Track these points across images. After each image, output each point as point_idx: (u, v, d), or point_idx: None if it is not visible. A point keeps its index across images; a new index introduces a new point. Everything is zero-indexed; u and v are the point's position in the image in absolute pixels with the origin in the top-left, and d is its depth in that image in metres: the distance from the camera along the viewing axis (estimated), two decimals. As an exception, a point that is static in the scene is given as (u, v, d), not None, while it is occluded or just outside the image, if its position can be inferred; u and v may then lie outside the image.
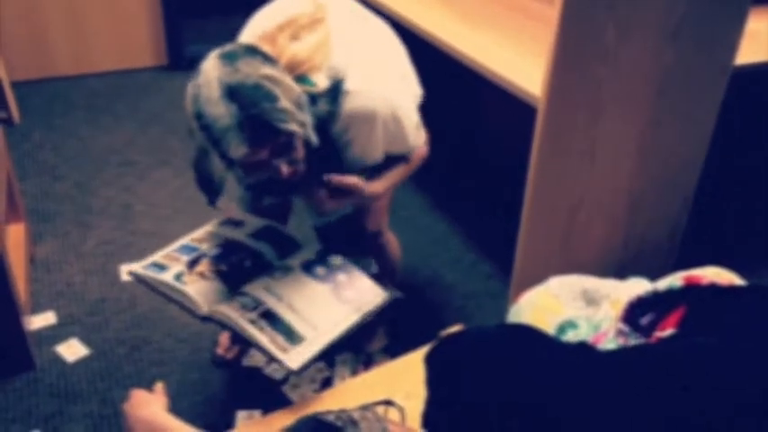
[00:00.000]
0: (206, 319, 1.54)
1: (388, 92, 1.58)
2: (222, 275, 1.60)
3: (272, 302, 1.54)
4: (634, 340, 1.16)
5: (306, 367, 1.47)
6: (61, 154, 3.26)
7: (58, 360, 2.16)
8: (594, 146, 1.87)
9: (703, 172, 2.10)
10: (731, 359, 0.96)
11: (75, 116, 3.62)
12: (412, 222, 2.83)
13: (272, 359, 1.47)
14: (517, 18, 2.49)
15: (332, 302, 1.59)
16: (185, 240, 1.71)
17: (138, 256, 2.59)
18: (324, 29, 1.56)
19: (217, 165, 1.39)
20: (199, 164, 1.45)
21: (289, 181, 1.49)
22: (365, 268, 1.71)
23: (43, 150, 3.28)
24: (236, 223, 1.77)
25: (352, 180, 1.60)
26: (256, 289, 1.58)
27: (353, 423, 0.98)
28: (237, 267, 1.63)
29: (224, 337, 2.19)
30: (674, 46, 1.80)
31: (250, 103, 1.31)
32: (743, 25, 1.88)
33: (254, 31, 1.62)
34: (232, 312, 1.51)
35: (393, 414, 1.35)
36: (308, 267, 1.66)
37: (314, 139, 1.45)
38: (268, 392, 2.06)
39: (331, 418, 0.98)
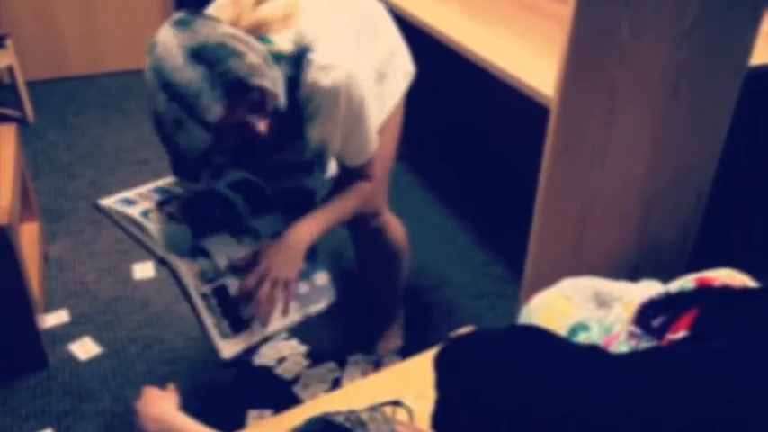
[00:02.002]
0: (163, 262, 1.50)
1: (357, 73, 1.49)
2: (189, 219, 1.54)
3: (228, 280, 1.50)
4: (646, 342, 1.16)
5: (237, 358, 1.46)
6: (75, 153, 3.28)
7: (71, 358, 2.17)
8: (607, 146, 1.86)
9: (717, 173, 2.09)
10: (743, 362, 0.95)
11: (89, 115, 3.64)
12: (422, 222, 2.83)
13: (205, 337, 1.47)
14: (530, 17, 2.48)
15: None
16: (160, 183, 1.65)
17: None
18: None
19: (193, 136, 1.33)
20: (173, 145, 1.40)
21: (262, 143, 1.44)
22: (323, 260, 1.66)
23: (57, 149, 3.30)
24: (217, 175, 1.69)
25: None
26: (219, 250, 1.52)
27: (362, 424, 0.97)
28: (206, 213, 1.57)
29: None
30: (687, 45, 1.78)
31: (217, 61, 1.27)
32: (758, 26, 1.87)
33: None
34: (189, 277, 1.47)
35: (402, 415, 1.35)
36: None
37: (282, 100, 1.40)
38: (279, 392, 2.06)
39: (340, 419, 0.98)
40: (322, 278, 1.64)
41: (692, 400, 0.91)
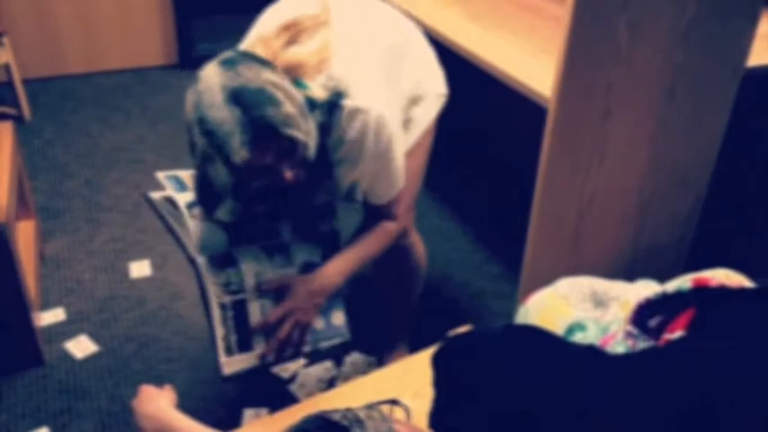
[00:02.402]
0: (191, 261, 1.51)
1: (387, 115, 1.51)
2: (229, 224, 1.55)
3: (250, 297, 1.52)
4: (643, 342, 1.16)
5: (236, 376, 1.50)
6: (72, 151, 3.27)
7: (67, 357, 2.17)
8: (604, 146, 1.86)
9: (714, 173, 2.09)
10: (740, 362, 0.95)
11: (86, 114, 3.63)
12: (421, 221, 2.82)
13: (212, 345, 1.49)
14: (528, 18, 2.48)
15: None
16: None
17: (148, 253, 2.60)
18: (326, 33, 1.52)
19: (219, 172, 1.36)
20: (200, 174, 1.43)
21: (286, 189, 1.46)
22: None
23: (54, 147, 3.30)
24: (247, 212, 1.68)
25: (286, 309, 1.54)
26: (249, 265, 1.54)
27: (359, 422, 0.97)
28: (249, 221, 1.58)
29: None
30: (685, 47, 1.79)
31: (254, 106, 1.29)
32: (755, 27, 1.87)
33: (259, 31, 1.60)
34: (211, 283, 1.49)
35: (399, 413, 1.34)
36: (305, 271, 1.61)
37: (312, 150, 1.41)
38: (275, 391, 2.06)
39: (337, 417, 0.98)
40: (339, 318, 1.65)
41: (689, 401, 0.92)
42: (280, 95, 1.32)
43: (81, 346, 2.21)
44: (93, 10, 3.91)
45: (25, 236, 2.41)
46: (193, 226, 1.51)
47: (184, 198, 1.54)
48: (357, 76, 1.50)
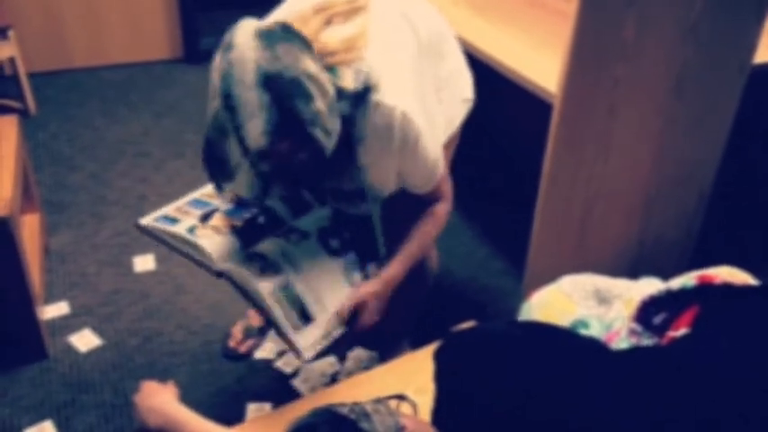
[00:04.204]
0: (220, 274, 1.49)
1: (414, 111, 1.47)
2: (236, 231, 1.55)
3: (290, 275, 1.52)
4: (647, 340, 1.16)
5: (317, 356, 1.48)
6: (76, 145, 3.28)
7: (71, 350, 2.18)
8: (610, 143, 1.85)
9: (720, 170, 2.09)
10: (744, 360, 0.95)
11: (91, 107, 3.64)
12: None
13: (281, 334, 1.48)
14: (535, 13, 2.47)
15: (341, 282, 1.58)
16: (196, 195, 1.65)
17: (152, 247, 2.60)
18: (362, 20, 1.47)
19: (234, 149, 1.31)
20: (212, 145, 1.35)
21: (301, 171, 1.43)
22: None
23: (59, 141, 3.30)
24: (266, 190, 1.68)
25: (358, 297, 1.57)
26: (273, 252, 1.54)
27: (366, 416, 0.98)
28: (251, 223, 1.58)
29: (236, 330, 2.19)
30: (691, 42, 1.78)
31: (285, 97, 1.24)
32: (762, 24, 1.86)
33: (288, 10, 1.53)
34: (253, 279, 1.48)
35: (405, 408, 1.35)
36: (323, 237, 1.62)
37: (329, 150, 1.36)
38: (278, 385, 2.06)
39: (344, 410, 0.99)
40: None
41: (694, 399, 0.91)
42: (314, 90, 1.27)
43: (85, 340, 2.21)
44: (98, 4, 3.91)
45: (30, 229, 2.41)
46: (207, 244, 1.50)
47: (181, 227, 1.54)
48: (389, 70, 1.45)
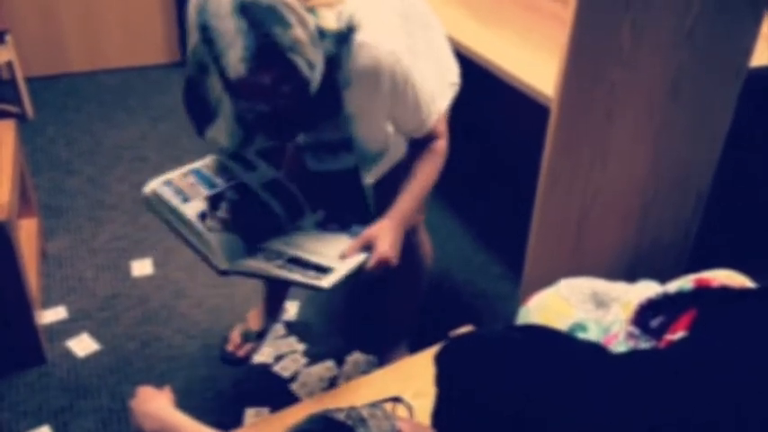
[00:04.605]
0: (224, 272, 1.49)
1: (400, 50, 1.44)
2: (240, 230, 1.55)
3: (294, 250, 1.52)
4: (644, 343, 1.16)
5: (336, 286, 1.44)
6: (74, 149, 3.28)
7: (69, 355, 2.17)
8: (607, 146, 1.86)
9: (716, 174, 2.09)
10: (741, 363, 0.95)
11: (89, 112, 3.63)
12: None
13: (306, 286, 1.45)
14: (531, 17, 2.48)
15: (352, 242, 1.56)
16: (198, 165, 1.63)
17: (150, 251, 2.60)
18: None
19: (214, 85, 1.30)
20: (192, 84, 1.35)
21: (283, 119, 1.41)
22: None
23: (56, 145, 3.30)
24: (247, 164, 1.68)
25: (366, 239, 1.51)
26: (275, 245, 1.55)
27: (362, 421, 0.98)
28: (253, 223, 1.58)
29: (235, 334, 2.19)
30: (688, 46, 1.79)
31: (261, 23, 1.23)
32: (758, 27, 1.87)
33: None
34: (259, 264, 1.48)
35: (401, 411, 1.35)
36: (321, 225, 1.62)
37: (315, 84, 1.34)
38: (277, 390, 2.06)
39: (341, 416, 0.98)
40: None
41: (692, 402, 0.91)
42: (292, 18, 1.26)
43: (82, 345, 2.21)
44: (95, 8, 3.91)
45: (27, 234, 2.41)
46: (214, 241, 1.49)
47: (192, 209, 1.52)
48: (373, 12, 1.43)
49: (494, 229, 2.82)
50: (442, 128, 1.66)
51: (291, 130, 1.54)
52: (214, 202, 1.56)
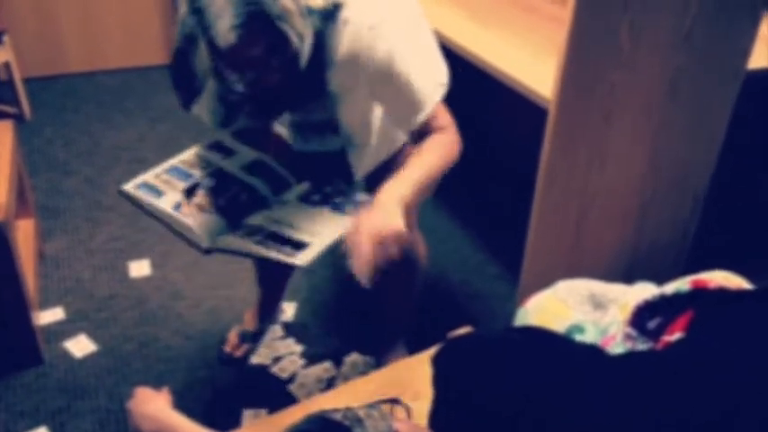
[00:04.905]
0: (208, 251, 1.49)
1: (380, 26, 1.42)
2: (220, 210, 1.55)
3: (274, 227, 1.51)
4: (642, 344, 1.16)
5: (312, 263, 1.41)
6: (72, 150, 3.28)
7: (67, 356, 2.17)
8: (605, 148, 1.86)
9: (714, 175, 2.09)
10: (739, 364, 0.95)
11: (87, 113, 3.63)
12: (419, 222, 2.82)
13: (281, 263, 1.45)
14: (529, 19, 2.48)
15: (332, 216, 1.55)
16: (174, 162, 1.64)
17: (147, 252, 2.60)
18: None
19: (202, 56, 1.29)
20: (180, 57, 1.34)
21: (267, 96, 1.40)
22: (354, 197, 1.64)
23: (54, 146, 3.30)
24: (226, 151, 1.69)
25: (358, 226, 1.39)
26: (256, 219, 1.55)
27: (359, 421, 0.98)
28: (234, 202, 1.58)
29: (232, 335, 2.19)
30: (686, 48, 1.79)
31: None
32: (756, 29, 1.87)
33: None
34: (238, 240, 1.49)
35: (399, 413, 1.35)
36: (304, 198, 1.62)
37: (304, 58, 1.34)
38: (275, 391, 2.06)
39: (338, 417, 0.98)
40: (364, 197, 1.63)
41: (689, 403, 0.92)
42: None
43: (80, 346, 2.21)
44: (94, 9, 3.91)
45: (25, 235, 2.41)
46: (194, 224, 1.50)
47: (168, 203, 1.53)
48: None
49: (491, 229, 2.82)
50: (445, 121, 1.57)
51: (276, 109, 1.53)
52: (190, 192, 1.57)
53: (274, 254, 1.45)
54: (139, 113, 3.64)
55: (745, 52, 1.90)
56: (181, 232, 1.52)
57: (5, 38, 3.34)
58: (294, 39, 1.30)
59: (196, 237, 1.50)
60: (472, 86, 2.97)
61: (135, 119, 3.59)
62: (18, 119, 3.44)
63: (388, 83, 1.47)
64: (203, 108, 1.51)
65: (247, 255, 1.51)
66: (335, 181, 1.65)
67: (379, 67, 1.44)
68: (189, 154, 1.67)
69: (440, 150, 1.53)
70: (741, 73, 1.93)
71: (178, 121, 3.57)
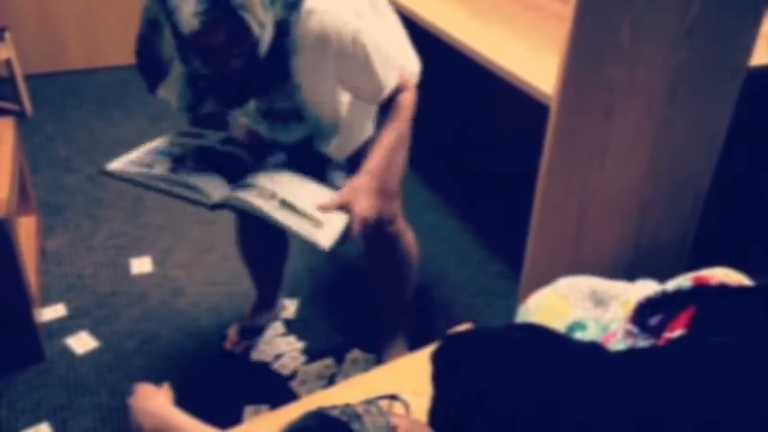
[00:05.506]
0: (215, 207, 1.51)
1: (350, 15, 1.48)
2: (217, 168, 1.56)
3: (284, 192, 1.52)
4: (643, 341, 1.16)
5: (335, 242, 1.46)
6: (73, 147, 3.28)
7: (68, 352, 2.17)
8: (606, 145, 1.86)
9: (715, 172, 2.09)
10: (740, 360, 0.95)
11: (88, 109, 3.63)
12: (421, 219, 2.83)
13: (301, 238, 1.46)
14: (531, 16, 2.48)
15: (329, 193, 1.57)
16: (152, 145, 1.65)
17: (149, 249, 2.60)
18: None
19: (167, 41, 1.33)
20: (145, 42, 1.39)
21: (232, 83, 1.44)
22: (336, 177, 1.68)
23: (55, 143, 3.30)
24: (196, 135, 1.71)
25: (344, 197, 1.53)
26: (260, 179, 1.55)
27: (357, 417, 0.98)
28: (223, 167, 1.59)
29: (232, 332, 2.19)
30: (687, 45, 1.79)
31: None
32: (758, 27, 1.87)
33: None
34: (255, 199, 1.48)
35: (399, 409, 1.35)
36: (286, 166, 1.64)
37: (264, 46, 1.39)
38: (276, 388, 2.06)
39: (336, 412, 0.98)
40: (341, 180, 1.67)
41: (691, 400, 0.92)
42: None
43: (81, 342, 2.21)
44: (95, 6, 3.91)
45: (26, 231, 2.41)
46: (198, 181, 1.50)
47: (160, 169, 1.53)
48: None
49: (493, 226, 2.82)
50: (404, 80, 1.66)
51: (241, 96, 1.56)
52: (179, 161, 1.58)
53: (297, 226, 1.45)
54: (140, 110, 3.64)
55: (747, 49, 1.90)
56: (182, 195, 1.52)
57: (7, 35, 3.34)
58: (255, 28, 1.34)
59: (202, 193, 1.50)
60: (474, 84, 2.97)
61: (135, 116, 3.59)
62: (19, 116, 3.44)
63: (353, 64, 1.53)
64: (171, 91, 1.54)
65: (264, 217, 1.49)
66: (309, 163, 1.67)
67: (345, 51, 1.50)
68: (162, 140, 1.68)
69: (402, 112, 1.63)
70: (742, 70, 1.92)
71: (178, 118, 3.57)
